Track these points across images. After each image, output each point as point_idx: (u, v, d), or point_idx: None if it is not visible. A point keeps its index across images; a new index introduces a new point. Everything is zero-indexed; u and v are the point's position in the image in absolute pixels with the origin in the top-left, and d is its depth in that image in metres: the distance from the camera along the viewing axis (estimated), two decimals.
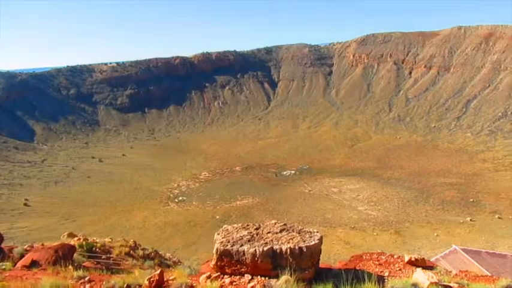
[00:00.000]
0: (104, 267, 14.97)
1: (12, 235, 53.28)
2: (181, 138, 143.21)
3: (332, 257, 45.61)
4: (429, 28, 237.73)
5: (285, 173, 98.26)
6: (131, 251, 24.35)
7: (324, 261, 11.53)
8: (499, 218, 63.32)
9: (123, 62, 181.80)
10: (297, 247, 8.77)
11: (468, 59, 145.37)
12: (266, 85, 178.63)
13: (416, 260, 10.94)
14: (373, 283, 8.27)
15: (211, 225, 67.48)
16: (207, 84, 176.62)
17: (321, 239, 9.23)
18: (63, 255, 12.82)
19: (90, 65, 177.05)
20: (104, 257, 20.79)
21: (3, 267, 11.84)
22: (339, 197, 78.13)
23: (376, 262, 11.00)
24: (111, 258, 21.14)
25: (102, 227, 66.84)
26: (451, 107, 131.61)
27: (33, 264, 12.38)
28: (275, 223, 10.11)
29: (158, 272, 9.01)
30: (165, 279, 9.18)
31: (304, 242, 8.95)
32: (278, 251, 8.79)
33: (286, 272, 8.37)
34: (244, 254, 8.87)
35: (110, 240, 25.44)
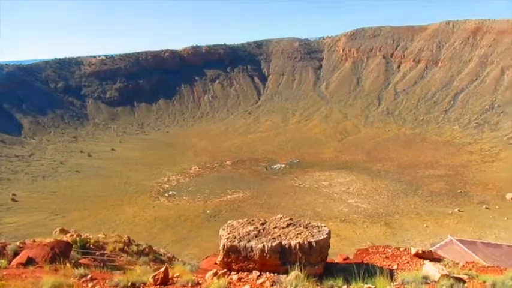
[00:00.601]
0: (101, 264, 14.66)
1: None
2: (170, 133, 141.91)
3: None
4: (418, 22, 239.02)
5: (275, 166, 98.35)
6: (125, 247, 23.95)
7: None
8: (487, 208, 64.74)
9: (112, 55, 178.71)
10: (306, 242, 8.65)
11: (456, 53, 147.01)
12: (256, 79, 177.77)
13: (423, 252, 10.90)
14: (384, 276, 8.18)
15: (202, 219, 67.37)
16: (196, 78, 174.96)
17: (329, 234, 9.12)
18: (60, 253, 12.48)
19: (78, 57, 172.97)
20: (97, 253, 20.38)
21: None
22: (329, 190, 78.64)
23: (383, 255, 10.93)
24: (105, 255, 20.73)
25: (92, 222, 66.10)
26: (439, 100, 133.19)
27: (29, 261, 11.98)
28: (281, 218, 9.95)
29: (163, 269, 8.79)
30: (169, 276, 8.96)
31: (313, 236, 8.82)
32: (287, 246, 8.67)
33: (296, 267, 8.24)
34: (252, 250, 8.70)
35: (104, 236, 24.98)
